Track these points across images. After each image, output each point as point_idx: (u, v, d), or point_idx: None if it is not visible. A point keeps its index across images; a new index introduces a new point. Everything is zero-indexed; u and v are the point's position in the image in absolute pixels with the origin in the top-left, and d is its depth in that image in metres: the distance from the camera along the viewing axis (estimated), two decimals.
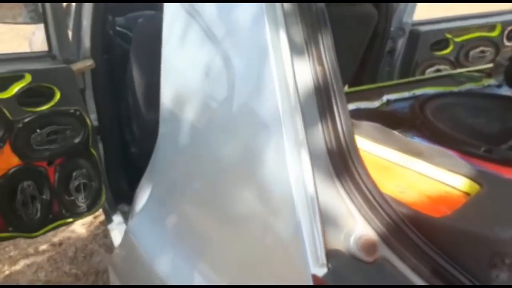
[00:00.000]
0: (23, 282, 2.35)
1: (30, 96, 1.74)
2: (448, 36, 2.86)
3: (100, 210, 2.27)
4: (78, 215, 2.02)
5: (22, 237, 1.88)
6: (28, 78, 1.69)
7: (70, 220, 2.01)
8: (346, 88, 1.28)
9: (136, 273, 1.09)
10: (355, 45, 2.51)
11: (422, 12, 3.12)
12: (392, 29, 2.80)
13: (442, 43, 2.73)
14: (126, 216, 2.18)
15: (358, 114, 1.13)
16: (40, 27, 3.31)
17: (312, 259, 0.66)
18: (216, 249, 0.84)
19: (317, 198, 0.68)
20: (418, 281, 0.67)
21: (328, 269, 0.66)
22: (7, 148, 1.72)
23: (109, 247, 2.63)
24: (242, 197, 0.77)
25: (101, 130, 1.99)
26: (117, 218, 2.18)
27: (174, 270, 0.91)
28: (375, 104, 1.19)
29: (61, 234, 2.70)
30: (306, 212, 0.67)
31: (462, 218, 0.73)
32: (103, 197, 2.06)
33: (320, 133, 0.72)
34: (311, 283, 0.65)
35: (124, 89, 2.18)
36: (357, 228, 0.70)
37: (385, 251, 0.69)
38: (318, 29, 0.74)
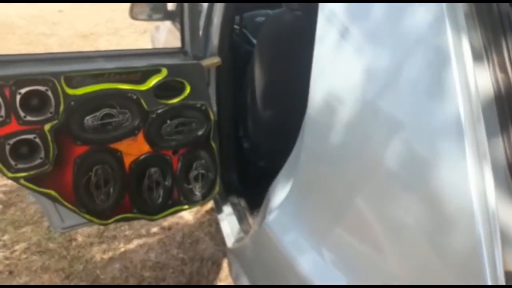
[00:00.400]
0: (135, 260, 2.57)
1: (163, 89, 1.88)
2: None
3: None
4: (193, 203, 2.15)
5: (144, 219, 2.06)
6: (164, 72, 1.83)
7: (186, 207, 2.15)
8: None
9: (271, 265, 1.13)
10: None
11: None
12: None
13: None
14: (235, 208, 2.27)
15: None
16: (165, 24, 3.56)
17: (490, 279, 0.63)
18: (368, 254, 0.84)
19: (498, 215, 0.64)
20: None
21: None
22: (140, 136, 1.88)
23: (213, 235, 2.77)
24: (406, 204, 0.76)
25: (218, 124, 2.09)
26: (227, 209, 2.27)
27: (316, 270, 0.92)
28: None
29: (170, 219, 2.89)
30: (487, 228, 0.63)
31: None
32: (217, 188, 2.17)
33: (500, 145, 0.68)
34: None
35: (242, 86, 2.27)
36: None
37: None
38: (500, 32, 0.69)
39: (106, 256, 2.61)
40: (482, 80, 0.70)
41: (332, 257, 0.91)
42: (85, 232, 2.79)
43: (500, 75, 0.70)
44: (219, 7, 2.00)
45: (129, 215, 2.00)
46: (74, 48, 6.25)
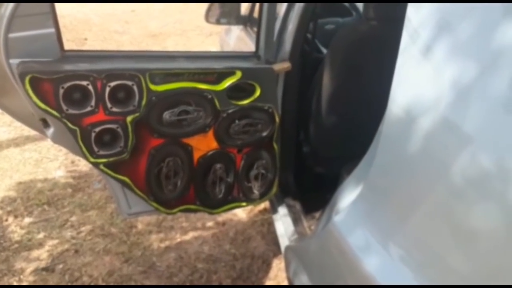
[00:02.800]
0: (190, 251, 2.68)
1: (235, 90, 1.97)
2: None
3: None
4: (251, 200, 2.23)
5: (205, 212, 2.16)
6: (238, 74, 1.93)
7: (244, 204, 2.23)
8: None
9: (335, 263, 1.18)
10: None
11: None
12: None
13: None
14: (291, 210, 2.32)
15: None
16: (235, 27, 3.69)
17: None
18: (441, 260, 0.86)
19: None
20: None
21: None
22: (210, 133, 1.99)
23: (265, 235, 2.83)
24: (487, 213, 0.78)
25: (282, 127, 2.16)
26: (282, 210, 2.33)
27: (383, 270, 0.96)
28: None
29: (225, 215, 2.99)
30: None
31: None
32: (275, 189, 2.23)
33: None
34: None
35: (308, 92, 2.32)
36: None
37: None
38: None
39: (163, 245, 2.75)
40: None
41: (399, 255, 0.94)
42: (145, 220, 2.95)
43: None
44: (295, 13, 2.07)
45: (192, 206, 2.11)
46: (144, 47, 6.59)
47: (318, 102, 2.24)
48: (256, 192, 2.20)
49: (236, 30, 3.58)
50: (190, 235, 2.84)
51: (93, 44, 6.59)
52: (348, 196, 1.17)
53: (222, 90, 1.92)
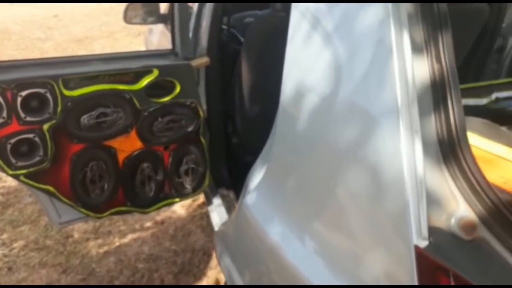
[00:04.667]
0: (130, 253, 2.67)
1: (155, 88, 1.99)
2: None
3: (200, 195, 2.51)
4: (184, 195, 2.26)
5: (136, 212, 2.16)
6: (156, 72, 1.94)
7: (177, 200, 2.26)
8: None
9: (248, 240, 1.25)
10: (462, 41, 2.45)
11: None
12: (504, 25, 2.67)
13: None
14: (225, 199, 2.38)
15: (466, 110, 1.17)
16: (157, 27, 3.68)
17: (415, 233, 0.75)
18: (326, 220, 0.96)
19: (425, 181, 0.76)
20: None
21: (430, 242, 0.74)
22: (133, 133, 1.99)
23: (204, 228, 2.88)
24: (353, 177, 0.88)
25: (208, 121, 2.20)
26: (216, 201, 2.39)
27: (283, 238, 1.04)
28: (484, 101, 1.21)
29: (163, 214, 3.00)
30: (415, 192, 0.75)
31: None
32: (207, 181, 2.28)
33: (432, 123, 0.80)
34: (413, 253, 0.74)
35: (230, 85, 2.38)
36: (459, 209, 0.76)
37: (484, 232, 0.75)
38: (438, 28, 0.81)
39: (101, 250, 2.72)
40: (421, 69, 0.82)
41: (297, 224, 1.03)
42: (81, 228, 2.89)
43: (436, 65, 0.82)
44: (207, 10, 2.11)
45: (123, 208, 2.10)
46: (69, 52, 6.35)
47: (240, 93, 2.31)
48: (188, 186, 2.23)
49: (159, 29, 3.57)
50: (129, 237, 2.83)
51: (14, 54, 6.26)
52: (256, 178, 1.25)
53: (141, 89, 1.93)
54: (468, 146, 0.79)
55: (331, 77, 0.95)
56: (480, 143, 0.98)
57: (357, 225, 0.90)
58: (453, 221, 0.76)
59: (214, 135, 2.33)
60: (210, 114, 2.29)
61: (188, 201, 3.04)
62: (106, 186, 2.01)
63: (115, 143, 1.96)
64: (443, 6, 0.85)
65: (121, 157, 2.00)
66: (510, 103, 1.18)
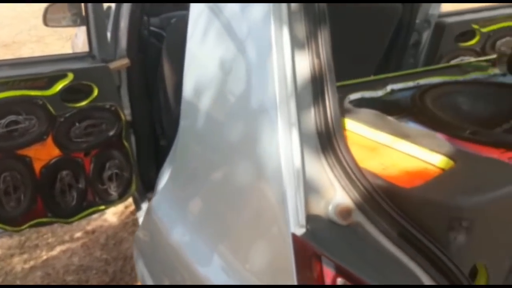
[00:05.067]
0: (58, 266, 2.57)
1: (71, 93, 1.92)
2: (475, 26, 2.83)
3: (131, 201, 2.45)
4: (109, 202, 2.19)
5: (59, 223, 2.07)
6: (70, 76, 1.88)
7: (103, 207, 2.19)
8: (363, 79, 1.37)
9: (155, 242, 1.24)
10: (379, 37, 2.56)
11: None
12: (417, 21, 2.81)
13: (468, 34, 2.70)
14: None
15: (362, 102, 1.23)
16: (82, 29, 3.55)
17: (293, 221, 0.77)
18: (219, 218, 0.97)
19: (304, 170, 0.79)
20: (386, 242, 0.77)
21: (307, 229, 0.77)
22: (49, 141, 1.91)
23: None
24: (243, 172, 0.90)
25: (134, 124, 2.15)
26: (145, 206, 2.34)
27: (184, 239, 1.05)
28: (379, 93, 1.27)
29: (94, 223, 2.91)
30: (292, 182, 0.78)
31: (428, 188, 0.82)
32: (133, 186, 2.23)
33: (312, 116, 0.83)
34: (291, 241, 0.77)
35: (156, 86, 2.35)
36: (336, 196, 0.80)
37: (359, 217, 0.79)
38: (318, 26, 0.85)
39: (27, 266, 2.59)
40: (303, 64, 0.85)
41: (196, 227, 1.04)
42: (5, 244, 2.74)
43: (315, 60, 0.85)
44: (125, 10, 2.07)
45: (43, 219, 2.01)
46: None
47: (165, 94, 2.28)
48: (113, 193, 2.17)
49: (84, 31, 3.44)
50: (58, 249, 2.71)
51: None
52: (163, 180, 1.24)
53: (55, 94, 1.85)
54: (343, 137, 0.82)
55: (223, 74, 0.97)
56: (368, 132, 1.04)
57: (245, 219, 0.92)
58: (330, 207, 0.80)
59: (141, 138, 2.28)
60: (135, 116, 2.24)
61: (120, 208, 2.97)
62: (22, 197, 1.91)
63: (30, 151, 1.87)
64: (323, 5, 0.88)
65: (37, 166, 1.92)
66: (404, 94, 1.25)
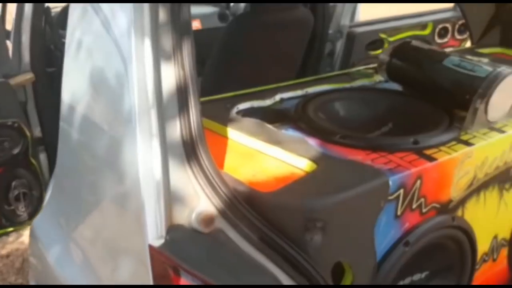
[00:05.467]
0: None
1: None
2: (383, 36, 3.00)
3: None
4: (19, 223, 2.08)
5: None
6: None
7: (11, 229, 2.07)
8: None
9: (37, 260, 1.21)
10: (294, 48, 2.64)
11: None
12: (330, 32, 2.94)
13: (377, 43, 2.86)
14: None
15: (250, 112, 1.26)
16: None
17: (151, 232, 0.78)
18: (90, 229, 0.96)
19: (167, 181, 0.80)
20: (247, 246, 0.80)
21: (166, 240, 0.78)
22: None
23: None
24: (108, 184, 0.90)
25: (45, 140, 2.07)
26: None
27: (58, 258, 1.03)
28: (267, 102, 1.32)
29: (9, 246, 2.74)
30: (152, 193, 0.79)
31: (284, 192, 0.86)
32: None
33: (177, 126, 0.84)
34: (147, 252, 0.77)
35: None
36: (200, 204, 0.81)
37: (221, 224, 0.81)
38: (183, 38, 0.86)
39: None
40: (169, 75, 0.86)
41: (68, 241, 1.02)
42: None
43: (180, 72, 0.87)
44: (26, 24, 1.99)
45: None
46: None
47: None
48: (22, 213, 2.06)
49: None
50: None
51: None
52: (47, 195, 1.21)
53: None
54: (205, 145, 0.84)
55: (92, 87, 0.96)
56: (246, 140, 1.07)
57: (111, 233, 0.92)
58: (193, 216, 0.81)
59: (52, 154, 2.19)
60: (45, 132, 2.15)
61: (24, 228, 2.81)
62: None
63: None
64: (186, 17, 0.89)
65: None
66: (292, 103, 1.30)
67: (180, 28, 0.89)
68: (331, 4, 2.90)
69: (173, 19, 0.89)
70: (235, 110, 1.24)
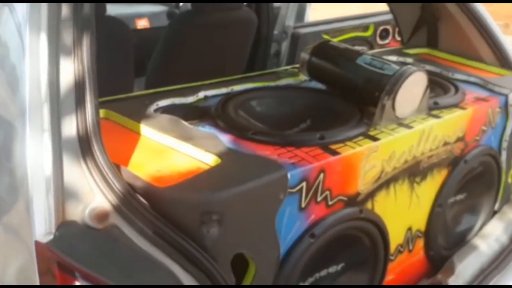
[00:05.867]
0: None
1: None
2: (325, 37, 3.07)
3: None
4: None
5: None
6: None
7: None
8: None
9: None
10: (238, 48, 2.66)
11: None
12: (276, 32, 2.98)
13: None
14: None
15: (170, 109, 1.26)
16: None
17: (39, 228, 0.77)
18: None
19: (60, 176, 0.79)
20: (142, 241, 0.80)
21: (55, 236, 0.77)
22: None
23: None
24: (3, 175, 0.87)
25: None
26: None
27: None
28: (189, 99, 1.32)
29: None
30: (41, 188, 0.78)
31: (180, 187, 0.86)
32: None
33: (74, 122, 0.83)
34: (34, 249, 0.76)
35: None
36: (94, 200, 0.81)
37: (116, 219, 0.81)
38: (84, 33, 0.85)
39: None
40: (68, 70, 0.85)
41: None
42: None
43: (79, 67, 0.86)
44: None
45: None
46: None
47: None
48: None
49: None
50: None
51: None
52: None
53: None
54: (100, 142, 0.84)
55: None
56: (158, 137, 1.07)
57: (5, 230, 0.90)
58: (86, 212, 0.80)
59: None
60: None
61: None
62: None
63: None
64: (88, 11, 0.88)
65: None
66: (216, 100, 1.31)
67: (82, 24, 0.88)
68: (276, 5, 2.95)
69: (75, 15, 0.89)
70: (154, 107, 1.24)
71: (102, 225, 0.80)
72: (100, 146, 0.83)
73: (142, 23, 3.58)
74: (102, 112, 1.18)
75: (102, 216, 0.80)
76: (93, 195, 0.82)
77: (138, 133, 1.10)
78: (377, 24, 3.20)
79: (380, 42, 3.22)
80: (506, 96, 1.51)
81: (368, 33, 3.19)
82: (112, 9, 3.35)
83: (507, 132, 1.57)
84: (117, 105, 1.23)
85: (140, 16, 3.61)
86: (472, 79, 1.58)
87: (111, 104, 1.23)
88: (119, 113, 1.17)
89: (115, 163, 0.87)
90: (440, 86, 1.51)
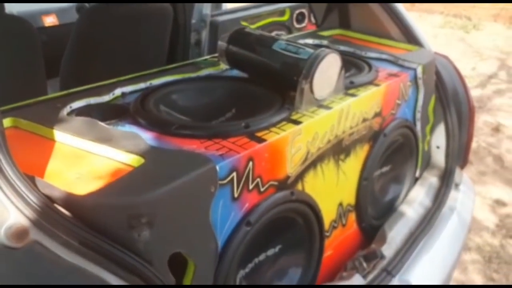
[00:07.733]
0: None
1: None
2: (244, 23, 3.07)
3: None
4: None
5: None
6: None
7: None
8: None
9: None
10: (155, 40, 2.58)
11: None
12: (194, 21, 2.93)
13: None
14: None
15: (86, 110, 1.19)
16: None
17: None
18: None
19: None
20: (68, 254, 0.76)
21: None
22: None
23: None
24: None
25: None
26: None
27: None
28: (105, 98, 1.26)
29: None
30: None
31: (105, 192, 0.83)
32: None
33: None
34: None
35: None
36: (10, 218, 0.75)
37: (37, 235, 0.75)
38: None
39: None
40: None
41: None
42: None
43: None
44: None
45: None
46: None
47: None
48: None
49: None
50: None
51: None
52: None
53: None
54: (7, 153, 0.77)
55: None
56: (74, 141, 1.01)
57: None
58: (2, 231, 0.74)
59: None
60: None
61: None
62: None
63: None
64: None
65: None
66: (135, 97, 1.26)
67: None
68: None
69: None
70: (67, 109, 1.17)
71: (22, 243, 0.74)
72: (8, 159, 0.76)
73: (50, 20, 3.36)
74: (9, 121, 1.09)
75: (20, 234, 0.74)
76: (7, 212, 0.75)
77: (52, 140, 1.03)
78: (292, 8, 3.26)
79: (297, 25, 3.29)
80: (415, 70, 1.61)
81: (285, 17, 3.25)
82: (14, 7, 3.10)
83: (419, 104, 1.68)
84: (26, 111, 1.14)
85: (47, 12, 3.39)
86: (383, 56, 1.67)
87: (19, 111, 1.14)
88: (29, 119, 1.09)
89: (28, 175, 0.81)
90: (354, 65, 1.58)
